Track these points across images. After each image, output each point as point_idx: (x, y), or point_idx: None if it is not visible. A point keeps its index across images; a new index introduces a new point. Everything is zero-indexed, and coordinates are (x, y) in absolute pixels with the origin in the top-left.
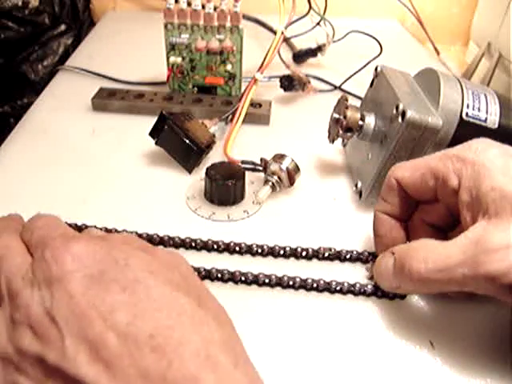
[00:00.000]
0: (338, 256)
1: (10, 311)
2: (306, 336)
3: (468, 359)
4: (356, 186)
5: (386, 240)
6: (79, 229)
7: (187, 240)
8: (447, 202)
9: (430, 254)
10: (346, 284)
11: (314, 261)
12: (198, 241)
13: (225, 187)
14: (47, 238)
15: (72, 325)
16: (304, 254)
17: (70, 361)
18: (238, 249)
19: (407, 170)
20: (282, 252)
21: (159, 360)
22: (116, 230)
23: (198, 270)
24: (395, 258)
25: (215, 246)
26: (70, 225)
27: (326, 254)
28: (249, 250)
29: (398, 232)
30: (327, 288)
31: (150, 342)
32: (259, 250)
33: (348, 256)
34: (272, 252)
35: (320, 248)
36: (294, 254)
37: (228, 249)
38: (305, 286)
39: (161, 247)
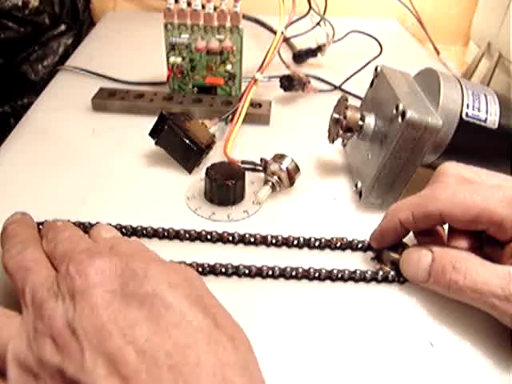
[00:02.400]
0: (349, 246)
1: (33, 320)
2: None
3: (468, 359)
4: (356, 186)
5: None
6: (84, 227)
7: (203, 233)
8: (491, 232)
9: (469, 271)
10: (346, 272)
11: (327, 250)
12: (214, 233)
13: (225, 187)
14: (72, 253)
15: (92, 337)
16: (317, 244)
17: (88, 374)
18: (253, 240)
19: (455, 207)
20: (295, 242)
21: (175, 379)
22: (125, 227)
23: (202, 265)
24: (434, 259)
25: (230, 238)
26: (74, 223)
27: (338, 244)
28: (263, 241)
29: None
30: (329, 276)
31: (167, 361)
32: (273, 241)
33: (360, 245)
34: (286, 243)
35: (333, 238)
36: (308, 244)
37: (243, 240)
38: (307, 275)
39: (176, 241)
